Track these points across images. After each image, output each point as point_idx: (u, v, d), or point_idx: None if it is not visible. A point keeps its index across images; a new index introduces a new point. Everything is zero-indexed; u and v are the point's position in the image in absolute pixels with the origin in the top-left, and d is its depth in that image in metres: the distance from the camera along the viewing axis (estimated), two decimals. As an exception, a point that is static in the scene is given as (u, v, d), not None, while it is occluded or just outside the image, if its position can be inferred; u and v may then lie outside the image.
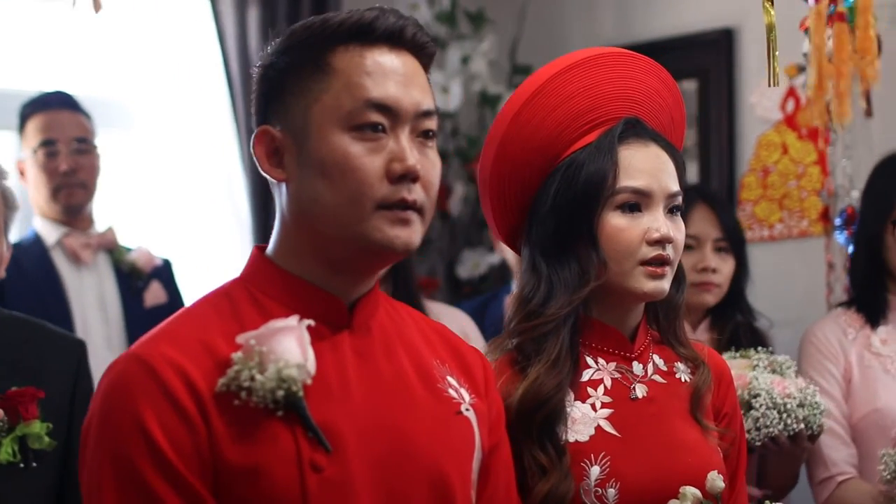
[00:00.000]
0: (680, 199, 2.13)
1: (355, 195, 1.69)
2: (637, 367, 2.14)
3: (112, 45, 4.15)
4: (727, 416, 2.20)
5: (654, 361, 2.16)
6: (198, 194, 4.33)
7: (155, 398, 1.62)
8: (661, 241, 2.08)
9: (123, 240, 3.83)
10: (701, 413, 2.14)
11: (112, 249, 3.77)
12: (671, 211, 2.12)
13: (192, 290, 3.86)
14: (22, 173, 3.71)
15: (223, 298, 1.76)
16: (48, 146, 3.65)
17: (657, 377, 2.14)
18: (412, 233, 1.73)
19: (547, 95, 2.11)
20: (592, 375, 2.11)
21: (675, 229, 2.11)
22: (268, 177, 1.77)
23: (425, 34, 1.79)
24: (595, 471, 2.03)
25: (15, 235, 3.55)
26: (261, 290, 1.75)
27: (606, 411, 2.08)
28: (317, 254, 1.75)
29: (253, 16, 4.39)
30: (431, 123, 1.76)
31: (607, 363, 2.12)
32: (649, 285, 2.09)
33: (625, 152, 2.11)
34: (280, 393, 1.62)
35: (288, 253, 1.77)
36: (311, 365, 1.66)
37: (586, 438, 2.05)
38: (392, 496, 1.70)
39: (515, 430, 2.00)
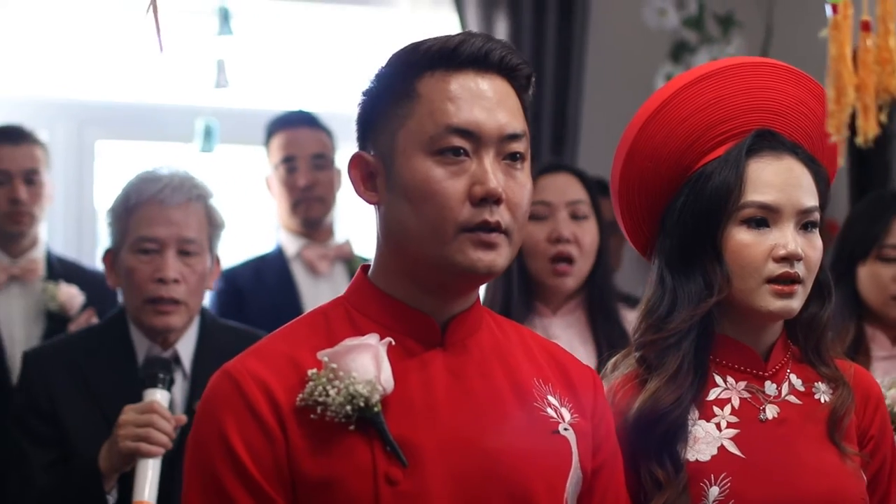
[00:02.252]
0: (816, 215, 2.05)
1: (438, 219, 1.73)
2: (770, 387, 2.06)
3: (357, 62, 4.32)
4: (873, 438, 2.09)
5: (790, 381, 2.08)
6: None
7: (238, 412, 1.70)
8: (789, 259, 2.00)
9: (362, 251, 3.97)
10: (839, 436, 2.04)
11: (348, 260, 3.91)
12: (804, 227, 2.04)
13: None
14: (269, 188, 3.93)
15: (320, 316, 1.83)
16: (288, 162, 3.83)
17: (792, 398, 2.07)
18: (496, 256, 1.75)
19: (676, 107, 2.07)
20: (720, 394, 2.05)
21: (808, 246, 2.03)
22: (362, 200, 1.82)
23: (516, 57, 1.80)
24: (714, 491, 1.98)
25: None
26: (357, 308, 1.81)
27: (732, 431, 2.03)
28: (407, 274, 1.79)
29: (500, 28, 4.47)
30: (519, 146, 1.77)
31: (737, 382, 2.06)
32: (776, 304, 2.02)
33: (754, 165, 2.05)
34: (348, 408, 1.67)
35: (383, 273, 1.82)
36: (386, 381, 1.70)
37: (707, 458, 2.00)
38: None
39: (633, 443, 1.98)
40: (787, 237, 2.01)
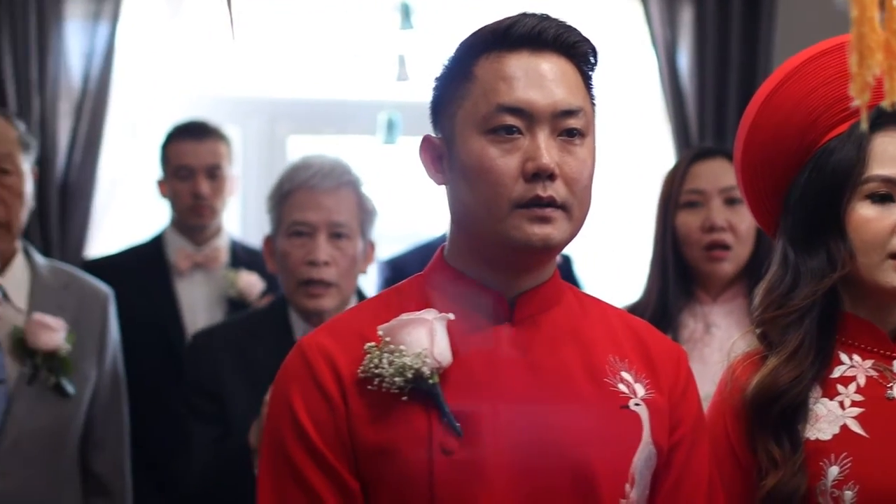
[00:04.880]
0: None
1: (492, 196, 1.75)
2: None
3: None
4: None
5: None
6: (631, 197, 4.42)
7: (304, 383, 1.78)
8: None
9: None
10: None
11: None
12: None
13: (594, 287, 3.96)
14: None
15: (394, 293, 1.89)
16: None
17: None
18: (552, 229, 1.76)
19: (800, 81, 2.05)
20: (845, 372, 2.01)
21: None
22: (432, 181, 1.87)
23: (573, 34, 1.81)
24: (833, 471, 1.94)
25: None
26: (430, 284, 1.87)
27: (856, 410, 1.98)
28: (473, 251, 1.83)
29: (685, 16, 4.42)
30: (576, 122, 1.78)
31: (863, 360, 2.02)
32: None
33: (879, 139, 2.00)
34: (399, 380, 1.71)
35: (454, 251, 1.87)
36: (440, 355, 1.74)
37: (828, 437, 1.96)
38: (530, 483, 1.74)
39: (750, 420, 1.97)
40: None
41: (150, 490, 3.59)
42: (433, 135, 1.86)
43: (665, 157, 4.37)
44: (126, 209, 4.36)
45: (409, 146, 4.28)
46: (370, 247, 2.95)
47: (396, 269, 3.81)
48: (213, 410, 2.86)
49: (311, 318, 2.86)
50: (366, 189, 2.92)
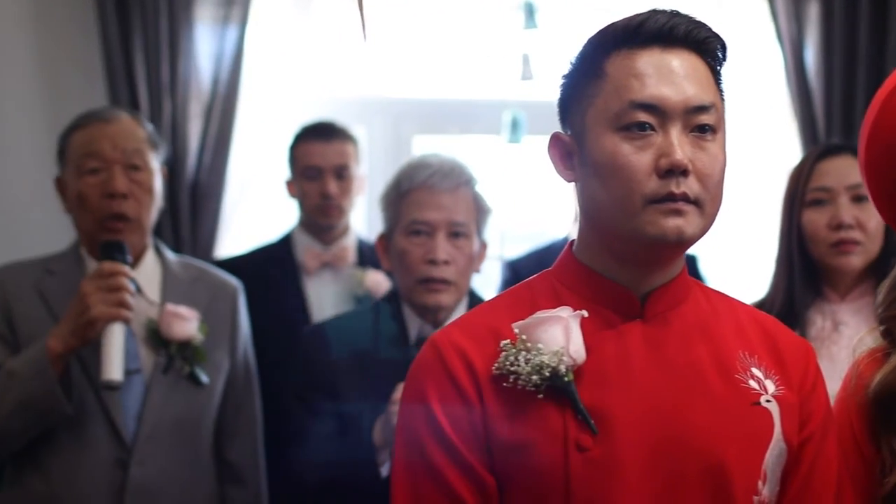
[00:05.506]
0: None
1: (626, 192, 1.77)
2: None
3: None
4: None
5: None
6: (757, 194, 4.38)
7: (439, 379, 1.80)
8: None
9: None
10: None
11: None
12: None
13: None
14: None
15: (525, 289, 1.91)
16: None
17: None
18: (685, 223, 1.77)
19: None
20: None
21: None
22: (561, 178, 1.89)
23: (704, 30, 1.81)
24: None
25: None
26: (561, 281, 1.88)
27: None
28: (605, 248, 1.84)
29: (811, 11, 4.36)
30: (708, 118, 1.79)
31: None
32: None
33: None
34: (536, 378, 1.73)
35: (584, 248, 1.88)
36: (576, 352, 1.76)
37: None
38: (664, 480, 1.75)
39: (873, 417, 1.96)
40: None
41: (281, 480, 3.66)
42: (561, 132, 1.88)
43: (791, 153, 4.32)
44: (255, 209, 4.43)
45: (534, 145, 4.30)
46: (483, 246, 2.98)
47: (515, 272, 3.84)
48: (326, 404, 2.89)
49: (426, 315, 2.89)
50: (481, 188, 2.94)
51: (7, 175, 4.11)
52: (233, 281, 3.24)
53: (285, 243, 3.93)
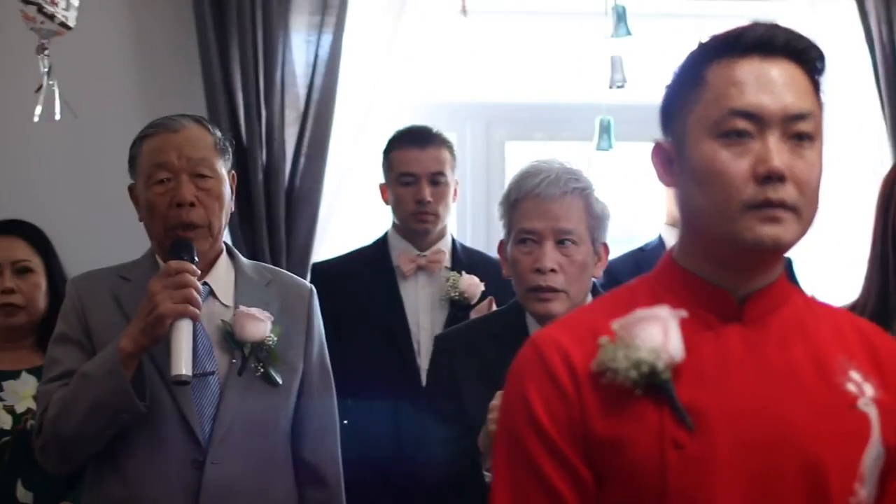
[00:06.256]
0: None
1: (723, 198, 1.81)
2: None
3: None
4: None
5: None
6: (849, 198, 4.38)
7: (538, 376, 1.85)
8: None
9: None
10: None
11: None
12: None
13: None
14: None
15: (626, 291, 1.96)
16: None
17: None
18: (782, 230, 1.80)
19: None
20: None
21: None
22: (662, 184, 1.94)
23: (802, 40, 1.85)
24: None
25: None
26: (661, 283, 1.93)
27: None
28: (704, 252, 1.89)
29: (898, 13, 4.36)
30: (806, 126, 1.83)
31: None
32: None
33: None
34: (634, 374, 1.78)
35: (685, 251, 1.93)
36: (674, 350, 1.80)
37: None
38: (759, 479, 1.78)
39: None
40: None
41: (366, 481, 3.68)
42: (662, 139, 1.93)
43: (883, 157, 4.32)
44: (351, 214, 4.49)
45: (625, 151, 4.33)
46: (604, 250, 3.01)
47: (610, 275, 3.85)
48: (451, 410, 2.95)
49: (544, 322, 2.91)
50: (596, 193, 2.97)
51: (113, 186, 4.21)
52: (306, 284, 3.25)
53: (381, 246, 3.98)
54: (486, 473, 2.78)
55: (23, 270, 3.68)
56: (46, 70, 3.31)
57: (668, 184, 1.93)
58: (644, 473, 1.79)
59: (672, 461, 1.78)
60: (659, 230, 4.02)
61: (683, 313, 1.83)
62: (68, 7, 3.27)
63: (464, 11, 3.99)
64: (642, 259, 3.88)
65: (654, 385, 1.79)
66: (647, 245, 4.00)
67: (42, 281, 3.68)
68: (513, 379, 1.91)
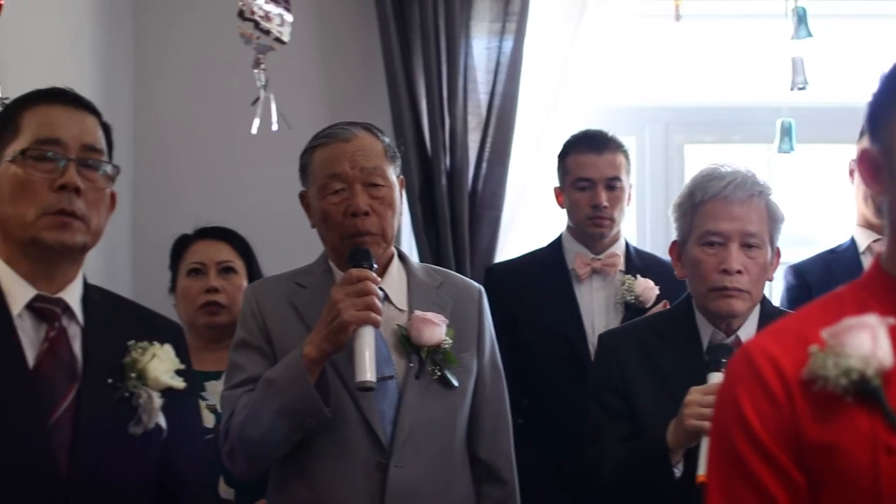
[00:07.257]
0: None
1: None
2: None
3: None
4: None
5: None
6: None
7: (750, 383, 1.87)
8: None
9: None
10: None
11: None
12: None
13: None
14: (851, 178, 3.93)
15: (833, 299, 1.96)
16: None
17: None
18: None
19: None
20: None
21: None
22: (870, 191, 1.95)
23: None
24: None
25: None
26: (867, 291, 1.93)
27: None
28: None
29: None
30: None
31: None
32: None
33: None
34: (844, 381, 1.79)
35: (892, 259, 1.91)
36: (884, 357, 1.80)
37: None
38: None
39: None
40: None
41: (542, 480, 3.76)
42: (870, 146, 1.92)
43: None
44: (533, 217, 4.53)
45: (805, 153, 4.29)
46: (777, 254, 3.04)
47: (801, 275, 3.86)
48: (621, 408, 3.00)
49: (721, 322, 2.98)
50: (774, 197, 3.00)
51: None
52: (476, 285, 3.29)
53: (556, 249, 4.02)
54: (675, 469, 2.83)
55: (227, 270, 3.81)
56: (263, 83, 3.45)
57: (876, 191, 1.92)
58: (857, 479, 1.80)
59: (885, 467, 1.78)
60: (851, 232, 3.96)
61: (892, 320, 1.83)
62: (283, 23, 3.41)
63: (677, 17, 4.01)
64: (833, 261, 3.84)
65: (864, 392, 1.80)
66: (838, 247, 3.94)
67: (244, 283, 3.78)
68: (725, 387, 1.93)
